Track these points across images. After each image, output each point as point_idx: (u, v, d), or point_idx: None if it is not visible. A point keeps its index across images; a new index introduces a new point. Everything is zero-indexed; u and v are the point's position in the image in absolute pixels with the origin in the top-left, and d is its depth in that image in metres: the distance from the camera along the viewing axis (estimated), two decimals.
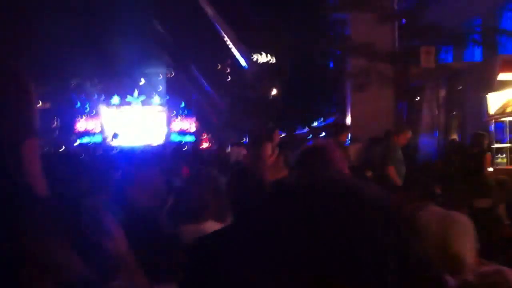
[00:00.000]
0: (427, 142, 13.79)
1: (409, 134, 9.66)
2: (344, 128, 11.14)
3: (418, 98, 16.51)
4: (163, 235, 3.09)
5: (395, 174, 8.03)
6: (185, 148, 18.43)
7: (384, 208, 1.41)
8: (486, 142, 9.16)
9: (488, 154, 9.09)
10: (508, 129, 11.98)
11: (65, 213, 2.68)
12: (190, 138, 43.91)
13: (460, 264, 2.05)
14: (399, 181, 7.79)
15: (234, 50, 36.09)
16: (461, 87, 15.50)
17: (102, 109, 45.33)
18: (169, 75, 63.08)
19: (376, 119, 13.07)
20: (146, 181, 3.48)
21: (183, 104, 48.02)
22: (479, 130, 9.66)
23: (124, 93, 46.72)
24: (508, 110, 9.87)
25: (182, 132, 45.57)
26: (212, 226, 3.46)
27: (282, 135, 23.71)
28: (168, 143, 39.84)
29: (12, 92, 2.62)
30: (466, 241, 2.11)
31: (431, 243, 2.06)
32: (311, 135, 22.58)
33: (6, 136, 2.54)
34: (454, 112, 16.51)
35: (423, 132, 15.50)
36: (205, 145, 38.73)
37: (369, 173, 8.89)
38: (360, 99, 14.16)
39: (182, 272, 2.07)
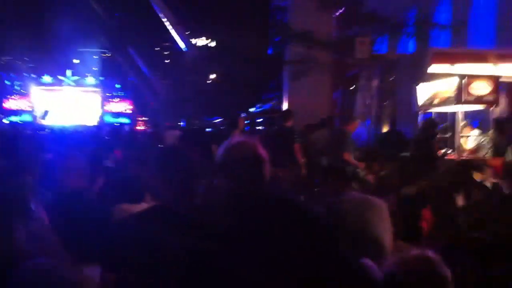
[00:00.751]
0: (359, 131, 14.16)
1: (357, 123, 10.00)
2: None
3: (353, 87, 16.89)
4: (91, 215, 3.03)
5: (352, 159, 8.23)
6: (120, 130, 18.02)
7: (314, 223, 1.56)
8: (434, 129, 9.50)
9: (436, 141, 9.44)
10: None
11: None
12: (125, 120, 42.99)
13: (379, 248, 2.13)
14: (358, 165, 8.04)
15: (173, 33, 35.54)
16: (393, 77, 16.00)
17: (33, 87, 43.53)
18: (104, 56, 61.31)
19: (312, 106, 13.26)
20: (73, 161, 3.40)
21: (118, 86, 46.94)
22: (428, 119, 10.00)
23: (57, 72, 45.14)
24: (435, 101, 10.28)
25: (117, 114, 44.56)
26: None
27: (219, 120, 23.70)
28: (102, 125, 38.81)
29: None
30: (383, 225, 2.19)
31: (351, 229, 2.12)
32: (249, 121, 22.68)
33: None
34: (386, 102, 17.05)
35: (356, 120, 15.88)
36: (140, 127, 38.03)
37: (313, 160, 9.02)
38: (297, 86, 14.32)
39: (103, 250, 2.04)
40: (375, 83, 14.22)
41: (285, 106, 15.29)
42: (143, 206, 3.48)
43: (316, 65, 13.84)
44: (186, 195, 2.11)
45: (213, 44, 31.24)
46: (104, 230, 2.99)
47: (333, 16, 14.55)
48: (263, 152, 2.01)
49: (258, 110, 24.78)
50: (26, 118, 39.57)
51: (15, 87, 44.09)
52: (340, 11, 15.24)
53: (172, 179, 2.11)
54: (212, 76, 27.25)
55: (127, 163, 6.99)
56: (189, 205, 2.08)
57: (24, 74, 45.01)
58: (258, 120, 22.59)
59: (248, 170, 1.93)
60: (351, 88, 16.47)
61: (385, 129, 16.44)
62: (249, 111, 23.60)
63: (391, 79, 15.16)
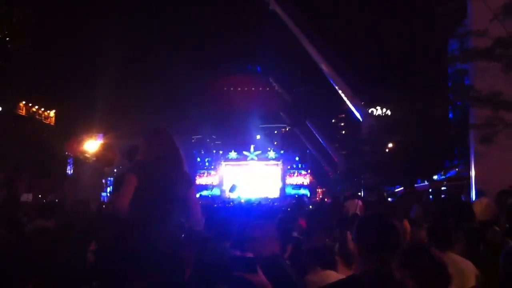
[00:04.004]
0: None
1: None
2: None
3: None
4: (286, 280, 3.15)
5: None
6: (302, 201, 18.49)
7: None
8: None
9: None
10: None
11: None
12: (304, 191, 44.03)
13: None
14: None
15: (349, 104, 36.09)
16: None
17: (221, 163, 47.22)
18: (284, 130, 64.40)
19: (504, 172, 12.25)
20: (266, 229, 3.61)
21: (297, 158, 48.62)
22: None
23: (241, 148, 48.51)
24: None
25: (297, 186, 45.90)
26: (334, 275, 3.50)
27: (400, 189, 22.98)
28: (283, 196, 40.23)
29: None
30: None
31: None
32: (431, 189, 21.64)
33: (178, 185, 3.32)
34: None
35: None
36: (320, 198, 38.50)
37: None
38: (486, 151, 13.39)
39: None
40: None
41: (473, 172, 14.33)
42: (334, 274, 3.55)
43: (506, 127, 12.84)
44: (386, 267, 2.12)
45: (389, 112, 30.95)
46: None
47: None
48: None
49: (441, 178, 23.56)
50: (216, 192, 42.73)
51: (206, 163, 48.18)
52: None
53: (372, 248, 2.15)
54: (391, 144, 26.77)
55: (312, 232, 7.13)
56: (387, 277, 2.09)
57: (213, 151, 49.11)
58: (443, 188, 21.43)
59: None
60: None
61: None
62: (432, 179, 22.56)
63: None
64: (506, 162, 12.66)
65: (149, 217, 3.20)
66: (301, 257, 4.46)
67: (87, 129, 26.08)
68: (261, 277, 2.63)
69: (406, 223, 6.42)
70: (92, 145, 26.13)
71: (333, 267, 3.72)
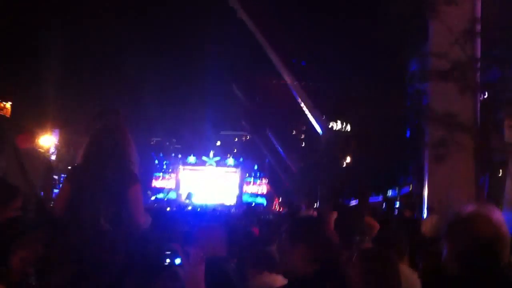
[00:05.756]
0: (508, 218, 13.03)
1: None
2: None
3: (501, 172, 15.76)
4: (228, 282, 3.10)
5: None
6: (257, 210, 18.49)
7: None
8: None
9: None
10: None
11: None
12: (261, 200, 44.08)
13: None
14: None
15: (310, 117, 36.47)
16: None
17: (179, 167, 46.80)
18: (244, 138, 64.45)
19: (455, 191, 12.53)
20: (214, 232, 3.56)
21: (256, 167, 48.69)
22: None
23: (201, 153, 48.24)
24: None
25: (254, 194, 45.93)
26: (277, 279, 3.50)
27: (354, 203, 23.30)
28: (240, 204, 40.17)
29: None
30: None
31: None
32: (385, 204, 22.00)
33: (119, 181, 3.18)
34: None
35: (505, 207, 14.65)
36: (275, 208, 38.61)
37: None
38: (439, 170, 13.68)
39: None
40: None
41: (425, 190, 14.63)
42: (281, 278, 3.52)
43: (459, 149, 13.17)
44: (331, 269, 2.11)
45: (348, 128, 31.45)
46: None
47: (478, 99, 13.93)
48: None
49: (395, 194, 24.03)
50: (172, 195, 42.29)
51: (164, 166, 47.67)
52: (485, 96, 14.57)
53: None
54: (348, 159, 27.16)
55: (263, 240, 7.10)
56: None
57: (172, 154, 48.65)
58: (396, 206, 21.85)
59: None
60: (499, 175, 15.38)
61: None
62: (387, 195, 22.98)
63: None
64: (457, 181, 12.97)
65: (78, 220, 3.09)
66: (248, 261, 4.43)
67: (43, 124, 25.41)
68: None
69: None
70: (47, 140, 25.50)
71: (280, 272, 3.69)
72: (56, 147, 26.21)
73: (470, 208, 1.99)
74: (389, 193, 23.65)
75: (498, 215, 1.94)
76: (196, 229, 4.66)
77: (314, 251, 2.14)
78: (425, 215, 13.48)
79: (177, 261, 2.37)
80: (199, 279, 2.07)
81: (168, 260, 2.25)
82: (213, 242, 3.34)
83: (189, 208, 19.67)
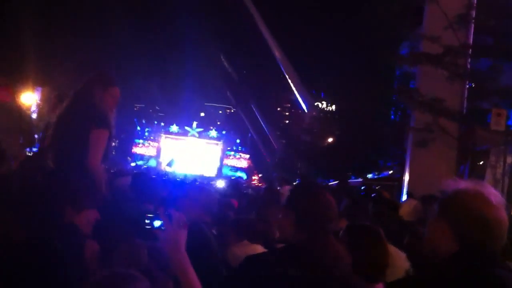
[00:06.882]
0: None
1: None
2: None
3: (482, 162, 15.87)
4: (207, 245, 3.02)
5: None
6: (237, 183, 18.44)
7: None
8: None
9: None
10: None
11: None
12: (241, 174, 44.14)
13: None
14: None
15: (296, 93, 36.36)
16: None
17: (161, 135, 46.50)
18: (228, 112, 64.18)
19: (435, 177, 12.58)
20: (205, 194, 3.45)
21: (238, 141, 48.63)
22: None
23: (184, 123, 47.93)
24: None
25: (234, 168, 45.95)
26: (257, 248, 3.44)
27: (334, 182, 23.40)
28: (220, 177, 40.18)
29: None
30: None
31: None
32: (363, 186, 22.07)
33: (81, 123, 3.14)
34: None
35: None
36: (255, 182, 38.70)
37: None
38: (421, 155, 13.72)
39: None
40: (509, 160, 13.19)
41: (406, 175, 14.67)
42: (261, 248, 3.44)
43: (444, 135, 13.19)
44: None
45: (333, 107, 31.43)
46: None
47: (465, 87, 13.92)
48: None
49: (375, 176, 24.14)
50: (152, 163, 42.07)
51: (145, 133, 47.33)
52: (472, 84, 14.56)
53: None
54: (330, 138, 27.18)
55: (242, 212, 7.04)
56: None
57: (155, 122, 48.29)
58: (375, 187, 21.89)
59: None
60: (480, 163, 15.48)
61: None
62: (366, 177, 23.06)
63: None
64: (438, 167, 13.01)
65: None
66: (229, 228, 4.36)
67: (24, 81, 24.91)
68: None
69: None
70: (28, 98, 25.05)
71: (260, 242, 3.60)
72: (38, 105, 25.73)
73: (464, 184, 1.85)
74: (369, 175, 23.73)
75: (497, 196, 1.81)
76: (175, 195, 4.53)
77: (304, 219, 2.03)
78: (403, 199, 13.56)
79: (156, 223, 2.27)
80: (180, 243, 1.96)
81: (147, 221, 2.13)
82: (195, 206, 3.22)
83: (167, 177, 19.57)
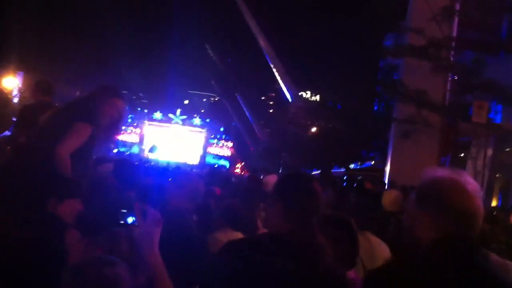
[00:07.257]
0: None
1: None
2: None
3: (463, 154, 16.08)
4: (188, 233, 3.01)
5: None
6: (220, 171, 18.41)
7: None
8: None
9: None
10: None
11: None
12: (224, 163, 44.09)
13: None
14: None
15: (281, 83, 36.35)
16: (509, 149, 15.01)
17: (144, 122, 46.17)
18: (213, 100, 63.96)
19: (417, 168, 12.70)
20: (190, 181, 3.42)
21: (222, 129, 48.51)
22: None
23: (167, 110, 47.61)
24: None
25: (217, 156, 45.86)
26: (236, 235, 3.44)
27: (317, 172, 23.50)
28: (203, 164, 40.10)
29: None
30: None
31: None
32: (345, 176, 22.22)
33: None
34: (499, 174, 15.98)
35: None
36: (238, 171, 38.71)
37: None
38: (403, 146, 13.87)
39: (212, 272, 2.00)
40: (489, 152, 13.38)
41: (388, 165, 14.80)
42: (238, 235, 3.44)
43: (426, 127, 13.31)
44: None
45: (317, 97, 31.48)
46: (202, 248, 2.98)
47: (448, 80, 14.04)
48: None
49: (357, 167, 24.29)
50: (135, 150, 41.77)
51: (128, 120, 46.91)
52: (455, 77, 14.69)
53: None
54: (314, 128, 27.24)
55: (224, 200, 7.04)
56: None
57: (138, 108, 47.89)
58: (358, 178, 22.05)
59: None
60: (461, 155, 15.67)
61: (494, 203, 15.33)
62: (348, 167, 23.19)
63: (506, 150, 14.22)
64: (420, 158, 13.14)
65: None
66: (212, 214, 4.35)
67: (6, 65, 24.56)
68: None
69: None
70: (10, 82, 24.75)
71: (243, 230, 3.59)
72: (19, 90, 25.38)
73: (442, 172, 1.86)
74: (351, 166, 23.88)
75: (473, 185, 1.81)
76: (158, 182, 4.50)
77: (292, 209, 2.03)
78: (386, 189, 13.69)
79: (130, 220, 2.27)
80: (154, 241, 1.93)
81: (121, 218, 2.12)
82: (181, 193, 3.20)
83: (151, 164, 19.49)
